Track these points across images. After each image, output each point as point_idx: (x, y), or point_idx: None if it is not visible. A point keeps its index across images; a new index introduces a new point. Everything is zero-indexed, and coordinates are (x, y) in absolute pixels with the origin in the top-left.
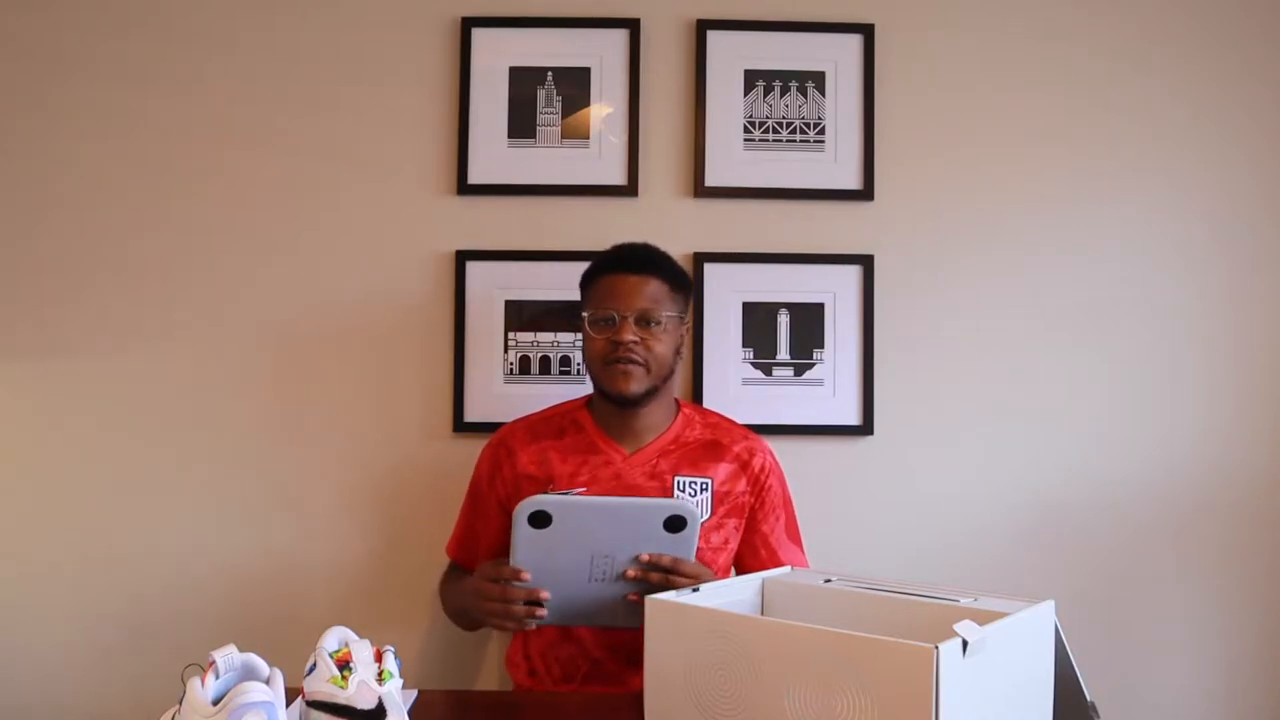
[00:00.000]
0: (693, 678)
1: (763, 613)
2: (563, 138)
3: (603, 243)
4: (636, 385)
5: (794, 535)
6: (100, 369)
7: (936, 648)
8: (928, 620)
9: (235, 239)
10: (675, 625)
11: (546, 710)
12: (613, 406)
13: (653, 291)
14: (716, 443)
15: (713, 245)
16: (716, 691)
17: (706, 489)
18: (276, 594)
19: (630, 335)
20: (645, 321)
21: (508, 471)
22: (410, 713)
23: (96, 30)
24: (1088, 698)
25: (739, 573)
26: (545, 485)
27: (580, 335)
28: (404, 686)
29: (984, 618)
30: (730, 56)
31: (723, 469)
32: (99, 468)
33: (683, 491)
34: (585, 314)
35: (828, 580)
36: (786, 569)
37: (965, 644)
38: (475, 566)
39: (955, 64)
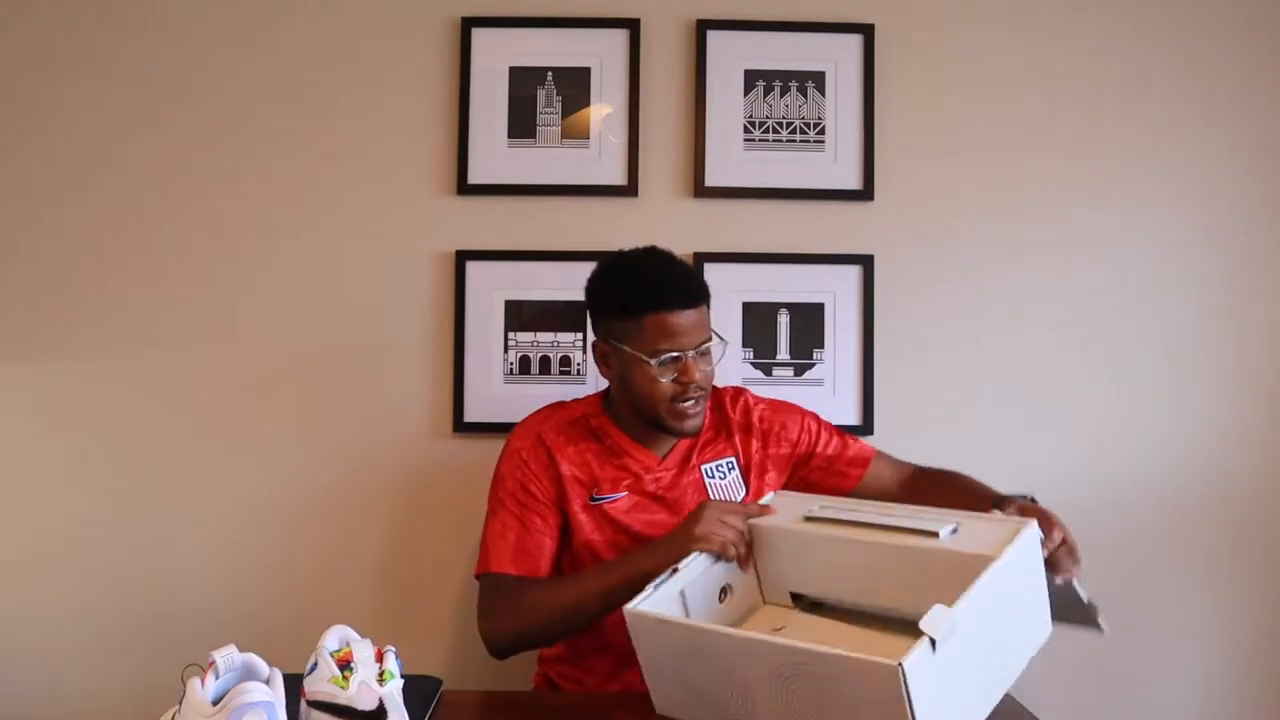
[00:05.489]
0: (686, 678)
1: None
2: (563, 138)
3: (602, 243)
4: (702, 419)
5: (838, 429)
6: (99, 370)
7: (901, 666)
8: (909, 568)
9: (235, 239)
10: (653, 640)
11: (562, 710)
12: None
13: (703, 317)
14: (722, 417)
15: (713, 245)
16: (712, 691)
17: (734, 467)
18: (277, 594)
19: (699, 375)
20: (703, 351)
21: (554, 473)
22: (434, 709)
23: (95, 31)
24: (1085, 599)
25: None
26: (590, 488)
27: (583, 336)
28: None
29: (964, 567)
30: (730, 56)
31: (738, 441)
32: (98, 468)
33: (712, 478)
34: (639, 354)
35: (809, 518)
36: (770, 495)
37: (934, 642)
38: (543, 575)
39: (955, 64)
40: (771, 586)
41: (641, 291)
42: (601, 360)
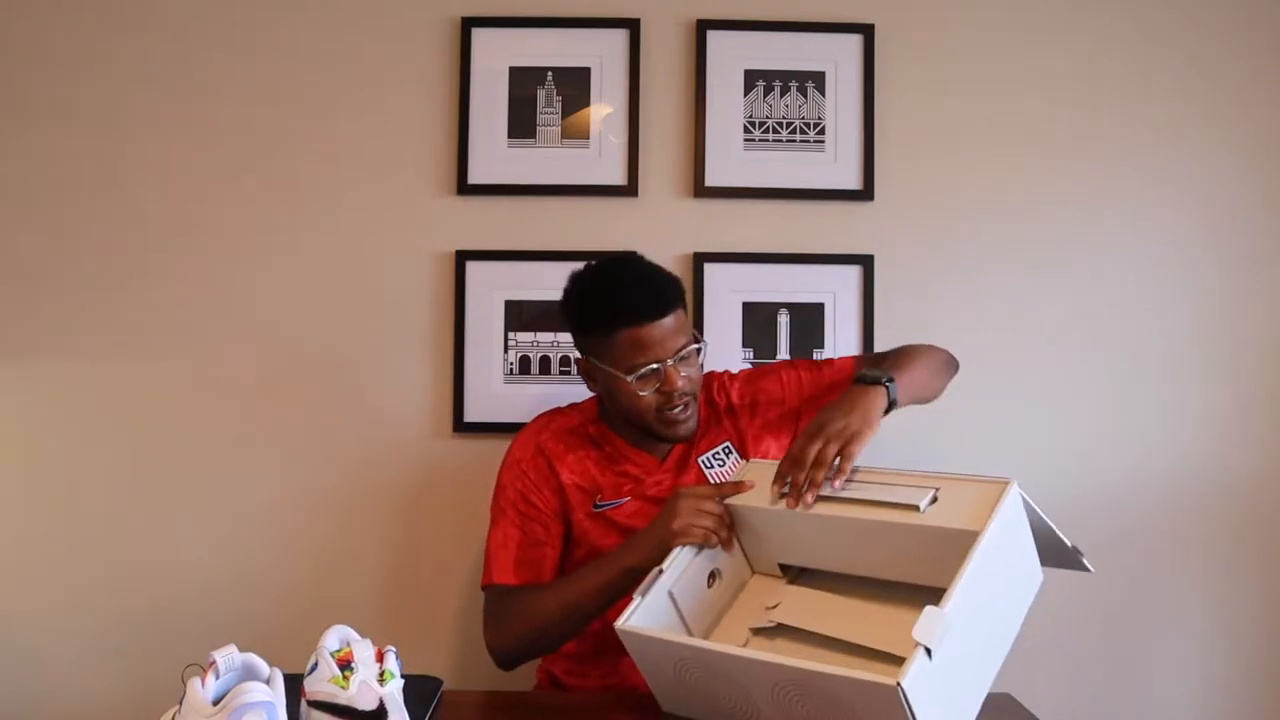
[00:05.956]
0: (687, 683)
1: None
2: (563, 138)
3: (602, 243)
4: (695, 421)
5: (812, 361)
6: (99, 370)
7: (900, 686)
8: (893, 544)
9: (235, 239)
10: (650, 652)
11: (562, 710)
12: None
13: (679, 322)
14: (713, 407)
15: (713, 245)
16: (714, 694)
17: (731, 451)
18: (277, 594)
19: (681, 382)
20: (684, 356)
21: (555, 482)
22: (434, 709)
23: (95, 31)
24: (1068, 544)
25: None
26: (593, 496)
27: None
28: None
29: (948, 541)
30: (730, 56)
31: (727, 424)
32: (98, 468)
33: (711, 467)
34: (617, 371)
35: (783, 494)
36: (744, 464)
37: (929, 650)
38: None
39: (955, 64)
40: (758, 558)
41: (608, 309)
42: (586, 377)
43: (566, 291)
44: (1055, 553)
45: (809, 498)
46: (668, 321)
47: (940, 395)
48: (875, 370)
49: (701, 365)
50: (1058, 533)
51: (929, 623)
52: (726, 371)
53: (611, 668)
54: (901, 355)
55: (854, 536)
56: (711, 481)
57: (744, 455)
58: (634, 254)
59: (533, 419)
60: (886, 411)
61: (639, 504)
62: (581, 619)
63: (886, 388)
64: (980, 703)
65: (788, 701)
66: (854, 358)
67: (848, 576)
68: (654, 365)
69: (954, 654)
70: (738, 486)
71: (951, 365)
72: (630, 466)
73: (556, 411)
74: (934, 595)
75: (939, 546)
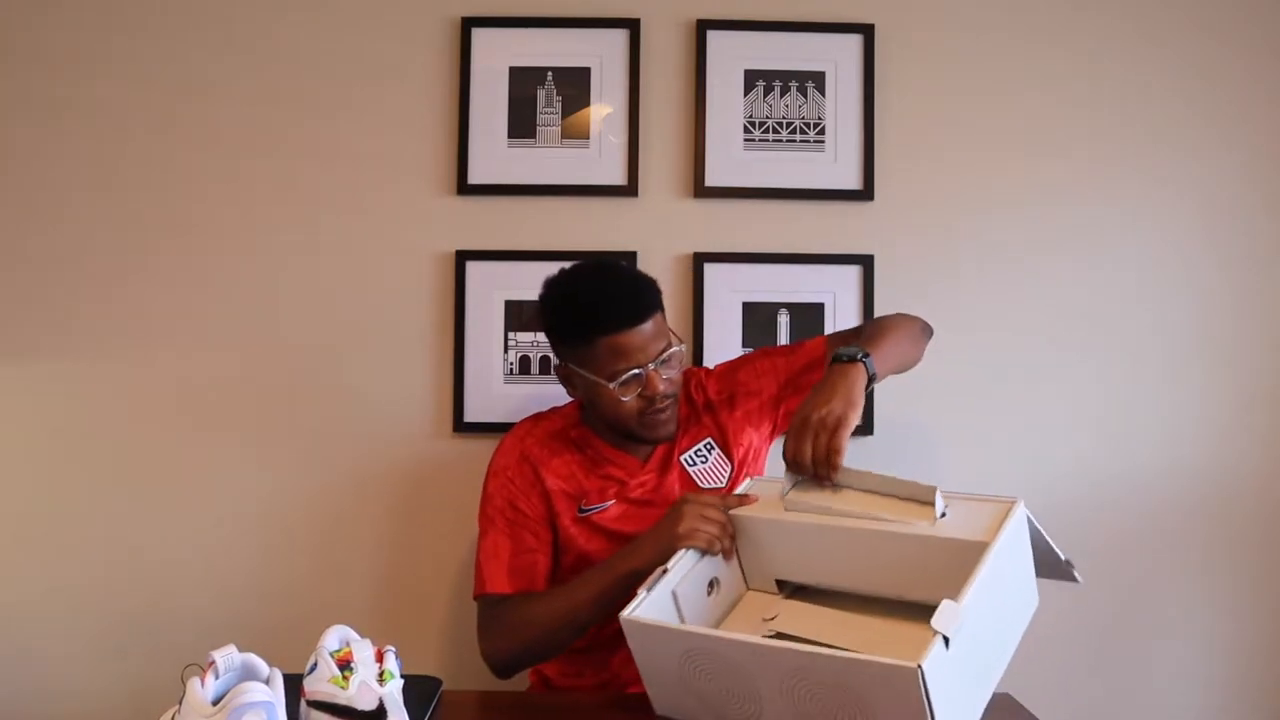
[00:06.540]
0: (687, 681)
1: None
2: (563, 138)
3: (602, 243)
4: (675, 422)
5: (784, 348)
6: (99, 370)
7: (920, 668)
8: (898, 555)
9: (235, 239)
10: (653, 646)
11: (561, 710)
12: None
13: (658, 326)
14: (691, 405)
15: (713, 245)
16: (715, 693)
17: (713, 447)
18: (277, 594)
19: (663, 385)
20: (665, 359)
21: (541, 488)
22: (434, 709)
23: (95, 31)
24: (1062, 557)
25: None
26: (578, 500)
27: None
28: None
29: (955, 553)
30: (730, 56)
31: (707, 420)
32: (98, 468)
33: (693, 465)
34: (598, 378)
35: (790, 506)
36: (747, 483)
37: (947, 640)
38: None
39: (955, 64)
40: (755, 573)
41: (587, 316)
42: (565, 382)
43: (543, 298)
44: (1048, 564)
45: (833, 476)
46: (647, 327)
47: (918, 363)
48: (850, 348)
49: (681, 366)
50: (1053, 545)
51: (947, 614)
52: (703, 368)
53: (603, 664)
54: (874, 329)
55: (858, 548)
56: (696, 480)
57: (726, 449)
58: (610, 258)
59: (515, 425)
60: (868, 386)
61: (624, 507)
62: (580, 625)
63: (864, 364)
64: (981, 712)
65: (799, 697)
66: (825, 337)
67: (844, 595)
68: (635, 371)
69: (964, 652)
70: (743, 500)
71: (926, 331)
72: (613, 469)
73: (539, 416)
74: (932, 614)
75: (945, 560)
